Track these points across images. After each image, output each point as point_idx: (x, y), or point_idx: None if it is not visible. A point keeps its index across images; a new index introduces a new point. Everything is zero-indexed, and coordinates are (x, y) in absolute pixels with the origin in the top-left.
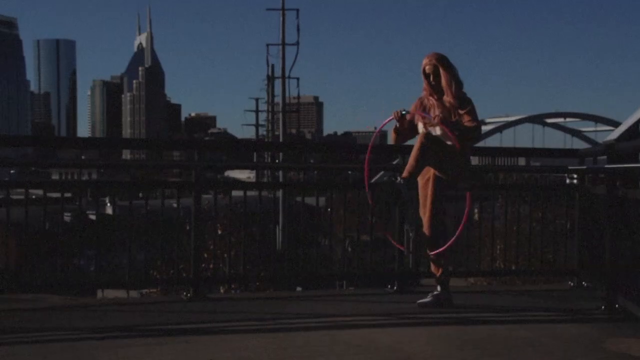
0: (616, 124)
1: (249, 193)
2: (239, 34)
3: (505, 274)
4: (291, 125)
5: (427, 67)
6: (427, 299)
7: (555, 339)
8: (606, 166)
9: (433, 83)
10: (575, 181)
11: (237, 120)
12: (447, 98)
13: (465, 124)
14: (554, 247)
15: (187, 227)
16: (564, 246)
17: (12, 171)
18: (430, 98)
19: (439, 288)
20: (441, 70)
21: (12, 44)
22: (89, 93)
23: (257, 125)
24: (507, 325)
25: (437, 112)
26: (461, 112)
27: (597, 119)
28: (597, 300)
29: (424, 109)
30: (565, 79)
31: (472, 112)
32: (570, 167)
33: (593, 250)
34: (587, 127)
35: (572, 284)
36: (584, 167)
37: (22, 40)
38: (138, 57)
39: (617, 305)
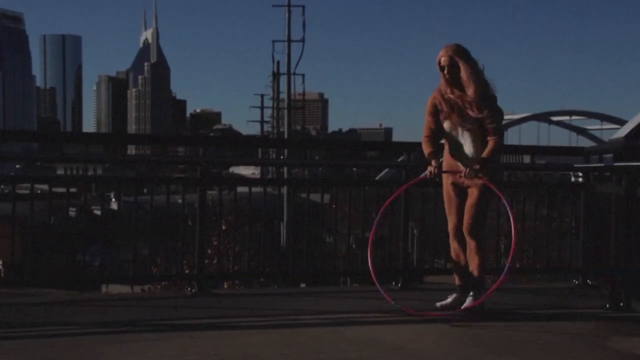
0: (622, 122)
1: (254, 189)
2: (244, 30)
3: (509, 272)
4: (296, 121)
5: (442, 59)
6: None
7: (559, 337)
8: (616, 164)
9: (448, 77)
10: (580, 179)
11: (243, 116)
12: (469, 96)
13: (491, 136)
14: (559, 245)
15: (191, 223)
16: (569, 244)
17: (17, 166)
18: (450, 94)
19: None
20: (460, 64)
21: (18, 39)
22: (94, 88)
23: (262, 122)
24: (511, 322)
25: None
26: (482, 114)
27: (603, 117)
28: (601, 298)
29: (451, 108)
30: (571, 76)
31: (494, 114)
32: (575, 165)
33: (598, 248)
34: (593, 125)
35: (576, 282)
36: (590, 165)
37: (29, 36)
38: (144, 52)
39: (621, 304)
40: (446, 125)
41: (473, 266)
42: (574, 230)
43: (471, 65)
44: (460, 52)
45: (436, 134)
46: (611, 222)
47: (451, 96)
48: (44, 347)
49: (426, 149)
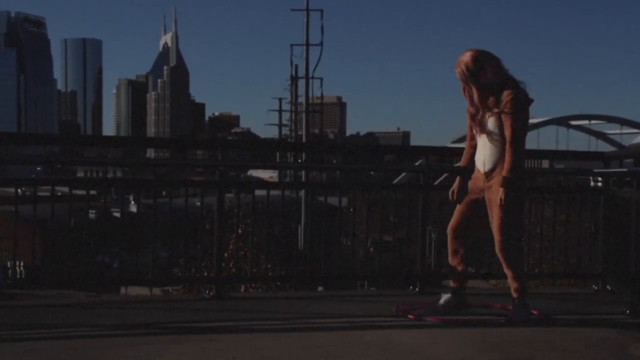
0: None
1: (272, 192)
2: (263, 34)
3: (528, 277)
4: (314, 125)
5: (457, 74)
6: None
7: (578, 343)
8: (637, 169)
9: (467, 88)
10: (600, 184)
11: (261, 119)
12: (493, 106)
13: (507, 149)
14: (578, 250)
15: (208, 227)
16: (589, 249)
17: (38, 168)
18: (474, 100)
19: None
20: (470, 83)
21: (40, 43)
22: (114, 92)
23: (280, 125)
24: (529, 328)
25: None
26: (505, 123)
27: (623, 122)
28: (621, 304)
29: (474, 115)
30: (591, 80)
31: (515, 121)
32: (595, 170)
33: (618, 253)
34: (613, 130)
35: (596, 287)
36: (610, 169)
37: (50, 40)
38: (163, 56)
39: None
40: (474, 129)
41: (509, 280)
42: (593, 235)
43: (485, 74)
44: (470, 63)
45: (476, 142)
46: (631, 227)
47: (471, 108)
48: (62, 349)
49: (461, 161)
